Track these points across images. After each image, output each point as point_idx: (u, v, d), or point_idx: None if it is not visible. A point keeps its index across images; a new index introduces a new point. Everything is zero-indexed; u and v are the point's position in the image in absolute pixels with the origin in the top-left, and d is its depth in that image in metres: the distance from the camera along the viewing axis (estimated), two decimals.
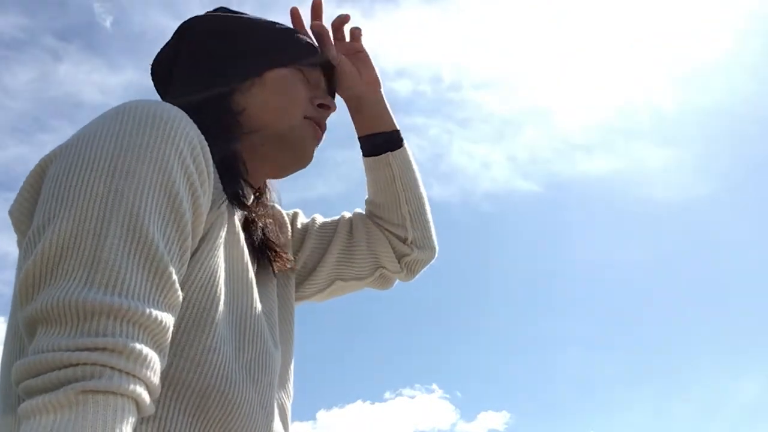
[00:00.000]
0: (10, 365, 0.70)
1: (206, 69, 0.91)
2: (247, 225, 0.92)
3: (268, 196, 1.00)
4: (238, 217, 0.86)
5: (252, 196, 0.91)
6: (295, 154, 0.92)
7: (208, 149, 0.71)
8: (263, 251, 0.94)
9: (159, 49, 0.98)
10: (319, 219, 1.10)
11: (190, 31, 0.95)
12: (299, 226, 1.08)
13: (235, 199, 0.83)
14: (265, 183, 0.98)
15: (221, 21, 0.95)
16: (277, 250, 0.96)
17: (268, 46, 0.93)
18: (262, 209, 0.96)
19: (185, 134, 0.68)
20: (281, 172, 0.95)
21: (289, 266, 0.98)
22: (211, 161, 0.72)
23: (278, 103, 0.89)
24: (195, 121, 0.72)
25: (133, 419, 0.57)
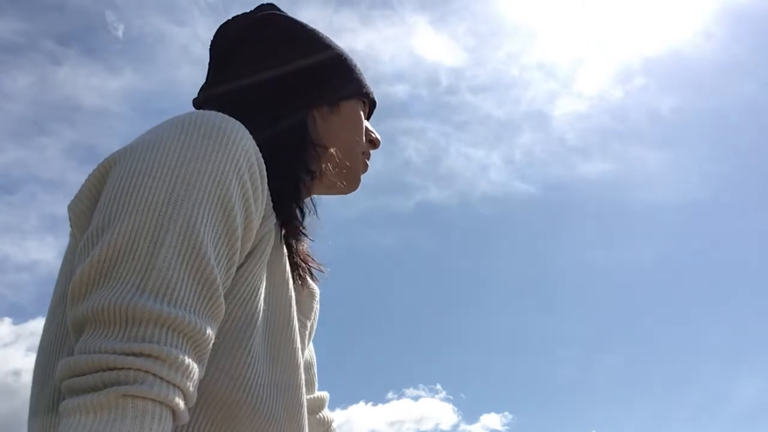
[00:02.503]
0: (45, 360, 0.72)
1: (281, 79, 0.91)
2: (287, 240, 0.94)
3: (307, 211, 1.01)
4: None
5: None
6: (348, 185, 0.96)
7: (264, 166, 0.72)
8: (298, 267, 0.95)
9: (230, 23, 0.97)
10: (313, 356, 1.09)
11: (271, 27, 0.94)
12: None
13: (288, 220, 0.84)
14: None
15: (302, 31, 0.95)
16: (311, 266, 0.97)
17: (344, 75, 0.96)
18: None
19: (245, 150, 0.69)
20: (329, 193, 0.98)
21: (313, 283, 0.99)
22: (266, 178, 0.73)
23: (348, 136, 0.94)
24: (265, 135, 0.76)
25: (169, 427, 0.58)
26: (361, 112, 0.97)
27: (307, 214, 0.98)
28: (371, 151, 1.00)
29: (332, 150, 0.91)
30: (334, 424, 1.07)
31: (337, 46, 0.98)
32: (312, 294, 1.00)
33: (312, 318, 1.00)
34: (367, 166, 0.99)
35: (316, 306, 1.02)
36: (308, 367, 1.05)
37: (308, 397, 1.03)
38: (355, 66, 0.99)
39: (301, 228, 0.91)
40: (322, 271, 0.99)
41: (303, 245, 0.96)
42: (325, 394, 1.07)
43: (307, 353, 1.05)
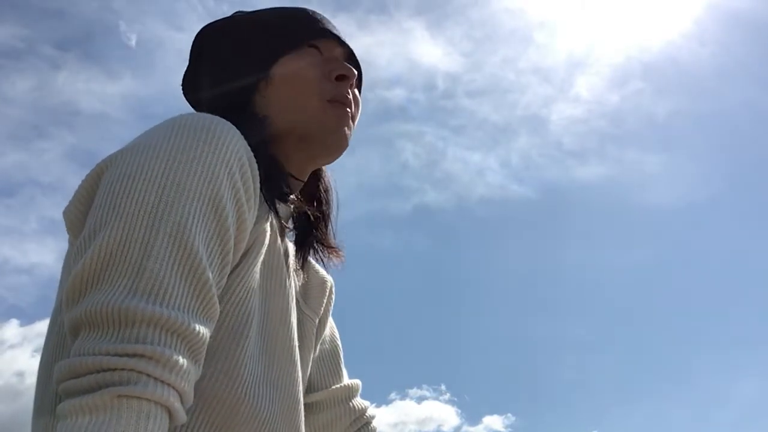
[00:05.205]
0: (49, 362, 0.73)
1: (222, 75, 0.91)
2: (299, 219, 0.93)
3: (324, 181, 0.99)
4: (282, 223, 0.87)
5: (298, 189, 0.90)
6: (326, 146, 0.88)
7: (255, 165, 0.73)
8: (305, 244, 0.94)
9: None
10: (338, 346, 1.07)
11: (201, 39, 0.95)
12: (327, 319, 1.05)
13: (280, 198, 0.83)
14: (318, 170, 0.97)
15: (225, 23, 0.95)
16: (322, 241, 0.95)
17: (268, 36, 0.90)
18: (320, 194, 0.96)
19: (235, 149, 0.69)
20: (322, 162, 0.92)
21: (334, 256, 0.97)
22: (258, 177, 0.73)
23: (291, 98, 0.86)
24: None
25: (165, 427, 0.58)
26: (308, 59, 0.88)
27: (325, 182, 0.97)
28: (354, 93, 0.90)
29: (280, 121, 0.85)
30: (370, 410, 1.06)
31: (262, 11, 0.94)
32: (323, 288, 1.00)
33: (321, 312, 1.00)
34: (341, 113, 0.87)
35: (326, 299, 1.01)
36: (329, 357, 1.04)
37: (336, 386, 1.03)
38: (285, 19, 0.92)
39: (298, 202, 0.88)
40: (337, 253, 0.96)
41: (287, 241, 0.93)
42: (355, 382, 1.06)
43: (328, 344, 1.05)
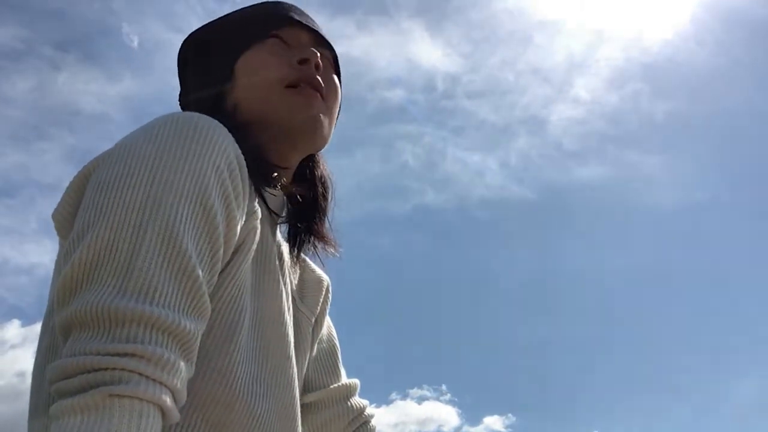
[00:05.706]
0: (42, 363, 0.73)
1: (200, 79, 0.93)
2: (291, 206, 0.93)
3: (319, 170, 0.98)
4: (274, 217, 0.88)
5: (287, 177, 0.90)
6: (298, 131, 0.87)
7: (244, 163, 0.72)
8: (297, 235, 0.94)
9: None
10: (335, 345, 1.08)
11: (185, 47, 0.97)
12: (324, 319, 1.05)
13: (267, 184, 0.83)
14: (309, 157, 0.97)
15: (203, 28, 0.96)
16: (314, 232, 0.95)
17: (232, 34, 0.91)
18: (315, 179, 0.96)
19: (222, 147, 0.69)
20: (304, 148, 0.90)
21: (328, 247, 0.97)
22: (246, 175, 0.73)
23: (254, 90, 0.87)
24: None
25: (158, 425, 0.58)
26: (268, 49, 0.89)
27: (319, 168, 0.97)
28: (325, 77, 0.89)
29: (250, 114, 0.85)
30: (368, 409, 1.06)
31: (228, 14, 0.95)
32: (319, 287, 1.01)
33: (317, 312, 1.00)
34: (306, 96, 0.87)
35: (323, 297, 1.01)
36: (326, 356, 1.05)
37: (334, 385, 1.03)
38: (245, 15, 0.93)
39: (287, 185, 0.88)
40: (332, 244, 0.97)
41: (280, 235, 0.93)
42: (354, 381, 1.06)
43: (325, 343, 1.05)
